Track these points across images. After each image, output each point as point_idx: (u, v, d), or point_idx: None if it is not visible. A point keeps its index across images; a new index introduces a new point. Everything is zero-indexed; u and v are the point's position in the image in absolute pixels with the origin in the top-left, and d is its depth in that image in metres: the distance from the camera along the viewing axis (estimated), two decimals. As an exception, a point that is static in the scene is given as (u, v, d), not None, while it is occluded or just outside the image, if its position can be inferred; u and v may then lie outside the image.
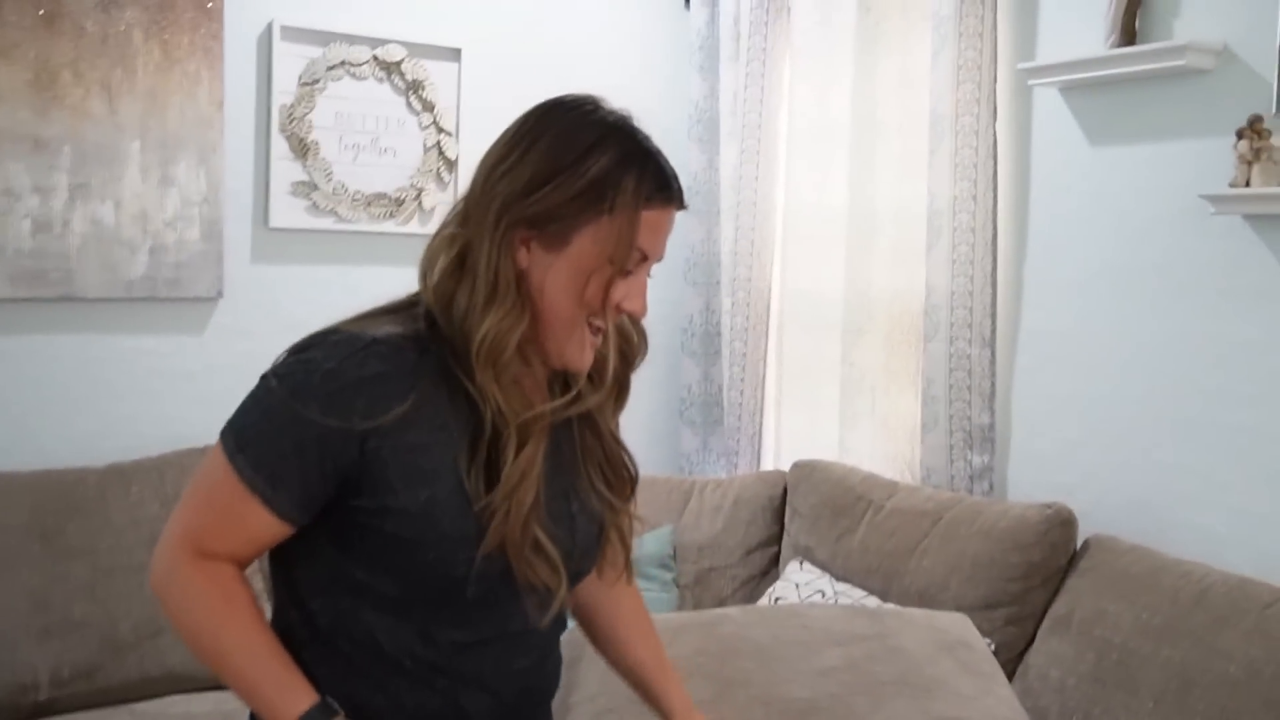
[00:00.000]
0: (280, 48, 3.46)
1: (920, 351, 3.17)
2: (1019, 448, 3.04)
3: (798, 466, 3.37)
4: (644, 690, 1.68)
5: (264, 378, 1.35)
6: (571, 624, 1.67)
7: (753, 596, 3.26)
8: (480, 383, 1.33)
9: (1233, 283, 2.54)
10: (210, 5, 3.34)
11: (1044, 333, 2.97)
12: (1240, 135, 2.40)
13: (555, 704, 1.60)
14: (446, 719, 1.41)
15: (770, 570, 3.31)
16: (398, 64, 3.62)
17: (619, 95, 1.43)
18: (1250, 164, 2.37)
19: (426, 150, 3.70)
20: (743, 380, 3.77)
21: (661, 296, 2.09)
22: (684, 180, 1.51)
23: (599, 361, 1.44)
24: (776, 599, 3.01)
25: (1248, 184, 2.39)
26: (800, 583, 3.02)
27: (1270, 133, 2.38)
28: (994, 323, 2.98)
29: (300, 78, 3.50)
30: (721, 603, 3.26)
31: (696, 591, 3.31)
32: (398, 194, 3.66)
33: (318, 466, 1.31)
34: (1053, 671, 2.53)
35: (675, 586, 3.32)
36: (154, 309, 3.38)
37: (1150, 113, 2.69)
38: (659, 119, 1.39)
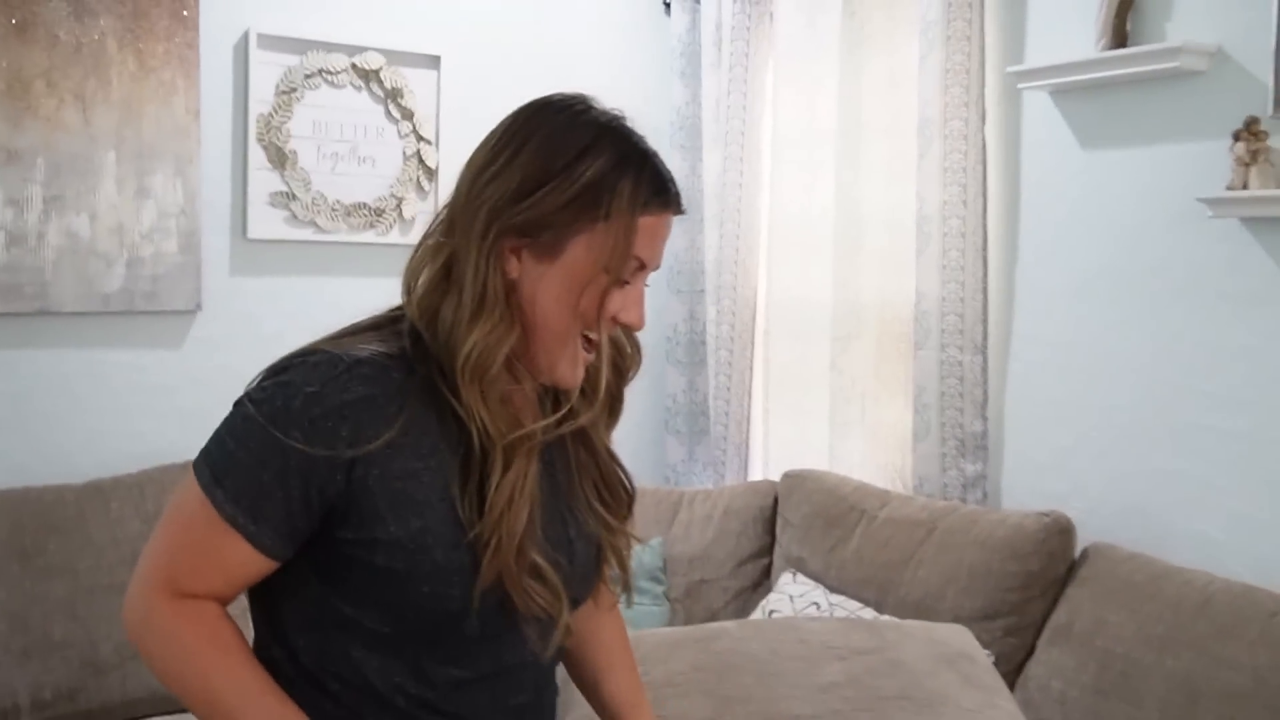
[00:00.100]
0: (257, 56, 3.41)
1: (911, 359, 3.14)
2: (1012, 456, 3.01)
3: (788, 476, 3.34)
4: None
5: (239, 404, 1.26)
6: None
7: (745, 609, 3.22)
8: (466, 400, 1.25)
9: (1229, 286, 2.51)
10: (185, 13, 3.29)
11: (1036, 339, 2.94)
12: (1236, 137, 2.39)
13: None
14: None
15: (762, 582, 3.28)
16: (376, 72, 3.58)
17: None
18: (1247, 166, 2.36)
19: (406, 159, 3.65)
20: (729, 389, 3.74)
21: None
22: (670, 187, 1.45)
23: (591, 375, 1.36)
24: (771, 611, 2.97)
25: (1245, 186, 2.37)
26: (794, 594, 2.98)
27: (1267, 134, 2.37)
28: (985, 329, 2.95)
29: (277, 86, 3.45)
30: (713, 615, 3.22)
31: (688, 604, 3.27)
32: (378, 203, 3.62)
33: (302, 498, 1.22)
34: (1054, 683, 2.50)
35: (666, 600, 3.28)
36: (131, 323, 3.32)
37: (1143, 116, 2.67)
38: (640, 126, 1.33)
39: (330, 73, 3.52)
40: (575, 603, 1.40)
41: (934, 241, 3.00)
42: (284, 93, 3.45)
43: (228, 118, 3.42)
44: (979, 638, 2.46)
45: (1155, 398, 2.68)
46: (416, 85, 3.64)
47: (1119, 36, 2.63)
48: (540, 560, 1.29)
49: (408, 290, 1.31)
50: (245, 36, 3.40)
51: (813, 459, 3.44)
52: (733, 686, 2.18)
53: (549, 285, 1.27)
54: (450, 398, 1.26)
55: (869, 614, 2.82)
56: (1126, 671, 2.37)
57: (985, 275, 2.95)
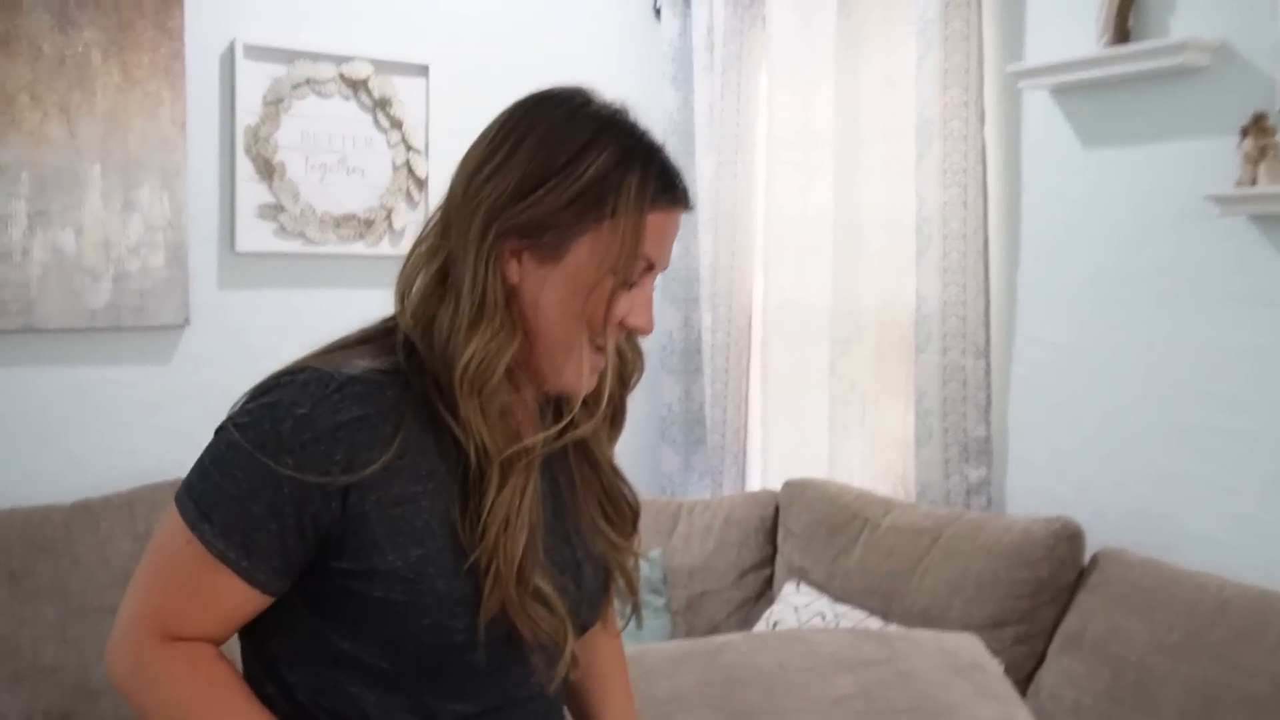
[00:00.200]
0: (244, 66, 3.36)
1: (911, 363, 3.10)
2: (1016, 460, 2.97)
3: (789, 485, 3.29)
4: None
5: (222, 430, 1.17)
6: None
7: (748, 620, 3.17)
8: (464, 415, 1.17)
9: (1237, 285, 2.48)
10: (171, 24, 3.23)
11: (1040, 341, 2.90)
12: (1244, 133, 2.35)
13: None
14: None
15: (764, 593, 3.23)
16: (364, 81, 3.53)
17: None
18: (1256, 163, 2.32)
19: (396, 169, 3.60)
20: (725, 397, 3.70)
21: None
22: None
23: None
24: (775, 623, 2.92)
25: (1254, 183, 2.33)
26: (798, 605, 2.94)
27: (1275, 129, 2.33)
28: (988, 332, 2.92)
29: (265, 97, 3.40)
30: (715, 627, 3.18)
31: (689, 617, 3.22)
32: (367, 214, 3.57)
33: (296, 528, 1.14)
34: (1067, 692, 2.46)
35: (667, 612, 3.23)
36: (118, 339, 3.27)
37: (1146, 113, 2.64)
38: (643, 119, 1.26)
39: (318, 82, 3.47)
40: (583, 629, 1.33)
41: (934, 243, 2.96)
42: (271, 103, 3.40)
43: (214, 129, 3.37)
44: (988, 646, 2.42)
45: (1162, 400, 2.64)
46: (405, 94, 3.59)
47: (1121, 33, 2.59)
48: (543, 585, 1.21)
49: (401, 298, 1.24)
50: (231, 47, 3.35)
51: (812, 466, 3.40)
52: (741, 701, 2.13)
53: (552, 289, 1.20)
54: (446, 415, 1.19)
55: (875, 624, 2.77)
56: (1141, 679, 2.33)
57: (987, 277, 2.91)
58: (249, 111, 3.38)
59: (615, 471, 1.37)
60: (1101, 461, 2.76)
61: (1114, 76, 2.64)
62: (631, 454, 3.73)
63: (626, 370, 1.35)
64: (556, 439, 1.27)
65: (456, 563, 1.17)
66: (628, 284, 1.21)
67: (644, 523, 3.31)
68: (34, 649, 2.83)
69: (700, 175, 3.74)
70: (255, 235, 3.42)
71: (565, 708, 1.48)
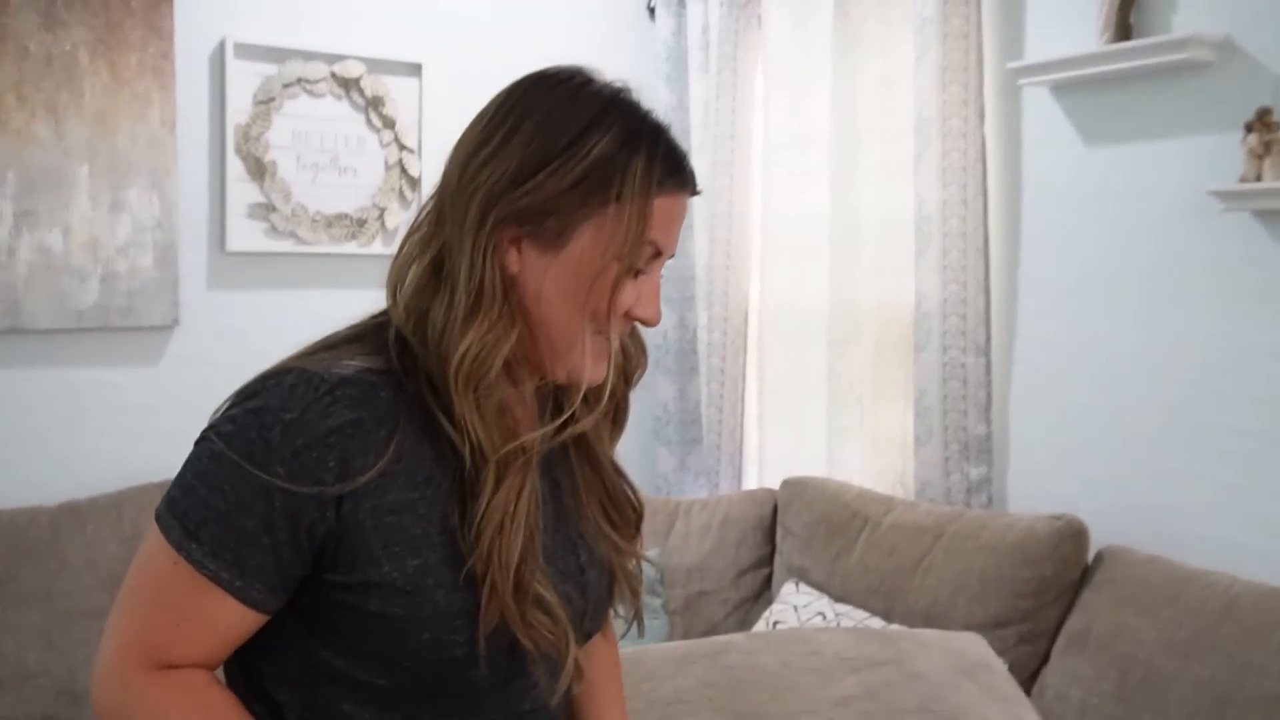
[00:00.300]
0: (234, 65, 3.33)
1: (911, 362, 3.08)
2: (1018, 459, 2.95)
3: (788, 484, 3.26)
4: None
5: (204, 440, 1.10)
6: None
7: (747, 620, 3.15)
8: (459, 411, 1.10)
9: (1241, 282, 2.46)
10: (160, 23, 3.20)
11: (1041, 339, 2.88)
12: (1249, 129, 2.34)
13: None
14: None
15: (763, 593, 3.20)
16: (356, 80, 3.50)
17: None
18: (1261, 158, 2.31)
19: (388, 168, 3.57)
20: (721, 397, 3.68)
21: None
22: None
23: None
24: (775, 623, 2.90)
25: (1259, 178, 2.32)
26: (798, 605, 2.91)
27: (1280, 125, 2.32)
28: (988, 330, 2.90)
29: (255, 96, 3.37)
30: (714, 628, 3.15)
31: (687, 618, 3.19)
32: (359, 214, 3.53)
33: (290, 541, 1.07)
34: (1073, 691, 2.43)
35: (665, 613, 3.20)
36: (106, 339, 3.23)
37: (1148, 110, 2.62)
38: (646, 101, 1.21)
39: (309, 82, 3.43)
40: (586, 637, 1.27)
41: (934, 242, 2.94)
42: (262, 103, 3.37)
43: (204, 129, 3.33)
44: (992, 646, 2.39)
45: (1165, 397, 2.62)
46: (398, 93, 3.56)
47: (1123, 29, 2.58)
48: (545, 592, 1.15)
49: (393, 292, 1.17)
50: (221, 46, 3.32)
51: (809, 466, 3.37)
52: (745, 702, 2.10)
53: (555, 279, 1.13)
54: (440, 416, 1.12)
55: (877, 623, 2.75)
56: (1149, 679, 2.30)
57: (987, 275, 2.89)
58: (239, 111, 3.35)
59: (618, 471, 1.31)
60: (1104, 460, 2.75)
61: (1116, 73, 2.62)
62: (626, 454, 3.67)
63: (629, 366, 1.29)
64: (555, 435, 1.20)
65: (456, 574, 1.11)
66: (634, 271, 1.15)
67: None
68: (18, 654, 2.80)
69: (696, 175, 3.70)
70: (246, 235, 3.38)
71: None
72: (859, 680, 2.14)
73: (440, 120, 3.57)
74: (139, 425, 3.26)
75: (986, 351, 2.90)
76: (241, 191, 3.37)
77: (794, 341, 3.51)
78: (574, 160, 1.11)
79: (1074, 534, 2.61)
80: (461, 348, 1.10)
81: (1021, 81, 2.83)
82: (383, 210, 3.56)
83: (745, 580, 3.23)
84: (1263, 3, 2.37)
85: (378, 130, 3.55)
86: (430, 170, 3.54)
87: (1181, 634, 2.30)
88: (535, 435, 1.15)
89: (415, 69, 3.58)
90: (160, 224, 3.23)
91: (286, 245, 3.44)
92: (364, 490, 1.08)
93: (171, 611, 1.09)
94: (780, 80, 3.52)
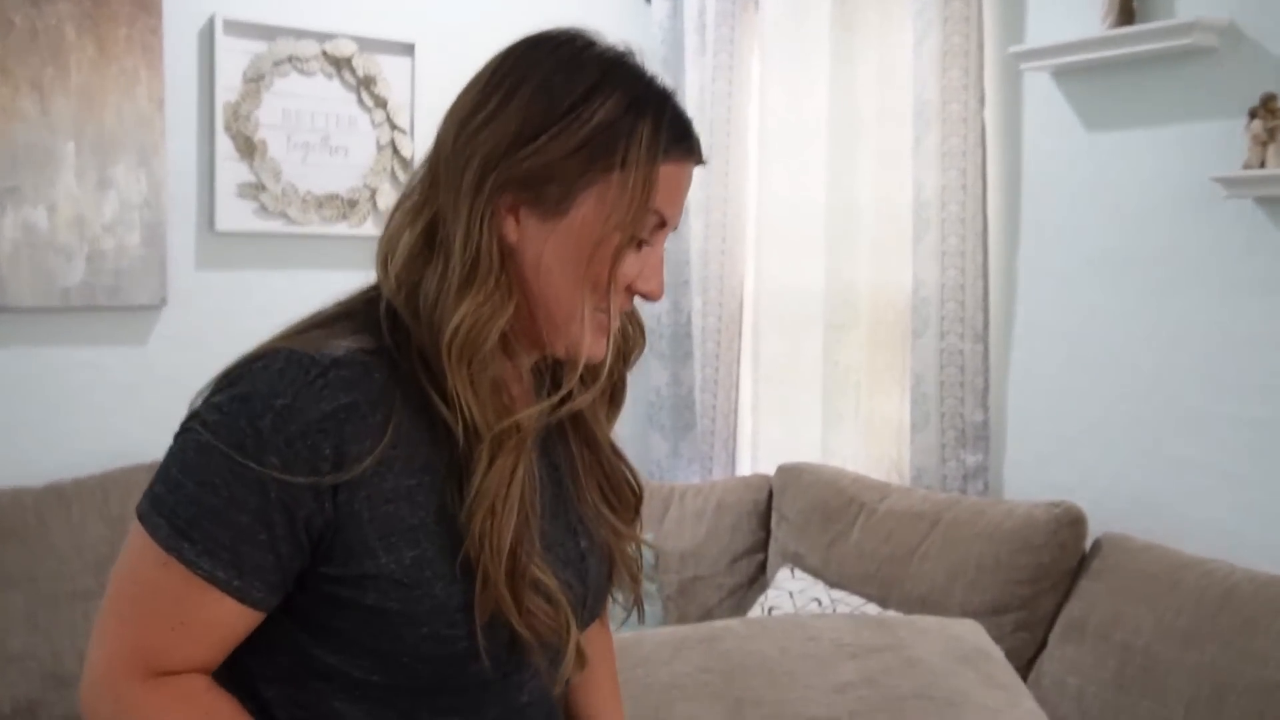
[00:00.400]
0: (223, 42, 3.28)
1: (908, 348, 3.06)
2: (1014, 446, 2.94)
3: (783, 469, 3.25)
4: None
5: (189, 430, 1.03)
6: None
7: (741, 606, 3.13)
8: (452, 386, 1.05)
9: (1243, 270, 2.45)
10: (148, -3, 3.15)
11: (1040, 326, 2.87)
12: (1253, 115, 2.32)
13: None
14: None
15: (758, 578, 3.19)
16: (348, 59, 3.45)
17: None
18: (1265, 144, 2.29)
19: (380, 149, 3.53)
20: (715, 382, 3.65)
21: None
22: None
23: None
24: (770, 609, 2.88)
25: (1262, 165, 2.30)
26: (793, 591, 2.89)
27: (1285, 111, 2.30)
28: (986, 316, 2.88)
29: (245, 74, 3.32)
30: (708, 613, 3.13)
31: (681, 603, 3.17)
32: (350, 195, 3.49)
33: (288, 536, 1.02)
34: (1070, 679, 2.42)
35: (659, 598, 3.18)
36: (93, 319, 3.18)
37: (1151, 95, 2.60)
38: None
39: (300, 60, 3.39)
40: (587, 623, 1.23)
41: (933, 228, 2.92)
42: (252, 80, 3.32)
43: (193, 106, 3.29)
44: (988, 633, 2.38)
45: (1164, 385, 2.61)
46: (390, 73, 3.52)
47: (1126, 14, 2.56)
48: (543, 577, 1.10)
49: (384, 263, 1.11)
50: (211, 22, 3.27)
51: (804, 452, 3.36)
52: (743, 688, 2.08)
53: (554, 248, 1.08)
54: (433, 394, 1.07)
55: (873, 610, 2.74)
56: (1148, 666, 2.29)
57: (985, 261, 2.87)
58: (229, 89, 3.30)
59: (617, 453, 1.27)
60: (1102, 447, 2.73)
61: (1118, 58, 2.61)
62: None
63: (627, 346, 1.24)
64: (551, 413, 1.16)
65: (454, 565, 1.06)
66: (637, 241, 1.10)
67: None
68: (2, 637, 2.76)
69: (690, 159, 3.68)
70: (235, 215, 3.34)
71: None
72: (857, 667, 2.13)
73: (433, 101, 3.53)
74: (126, 406, 3.22)
75: (984, 338, 2.88)
76: (231, 170, 3.32)
77: (790, 327, 3.49)
78: (577, 124, 1.06)
79: (1072, 521, 2.59)
80: (455, 319, 1.05)
81: (1023, 66, 2.81)
82: (374, 191, 3.52)
83: (740, 566, 3.21)
84: (1269, -13, 2.36)
85: (369, 110, 3.51)
86: (423, 151, 3.48)
87: (1180, 622, 2.29)
88: (531, 411, 1.10)
89: (408, 48, 3.54)
90: (148, 202, 3.18)
91: (276, 225, 3.40)
92: (360, 478, 1.03)
93: (165, 616, 1.03)
94: (777, 64, 3.49)
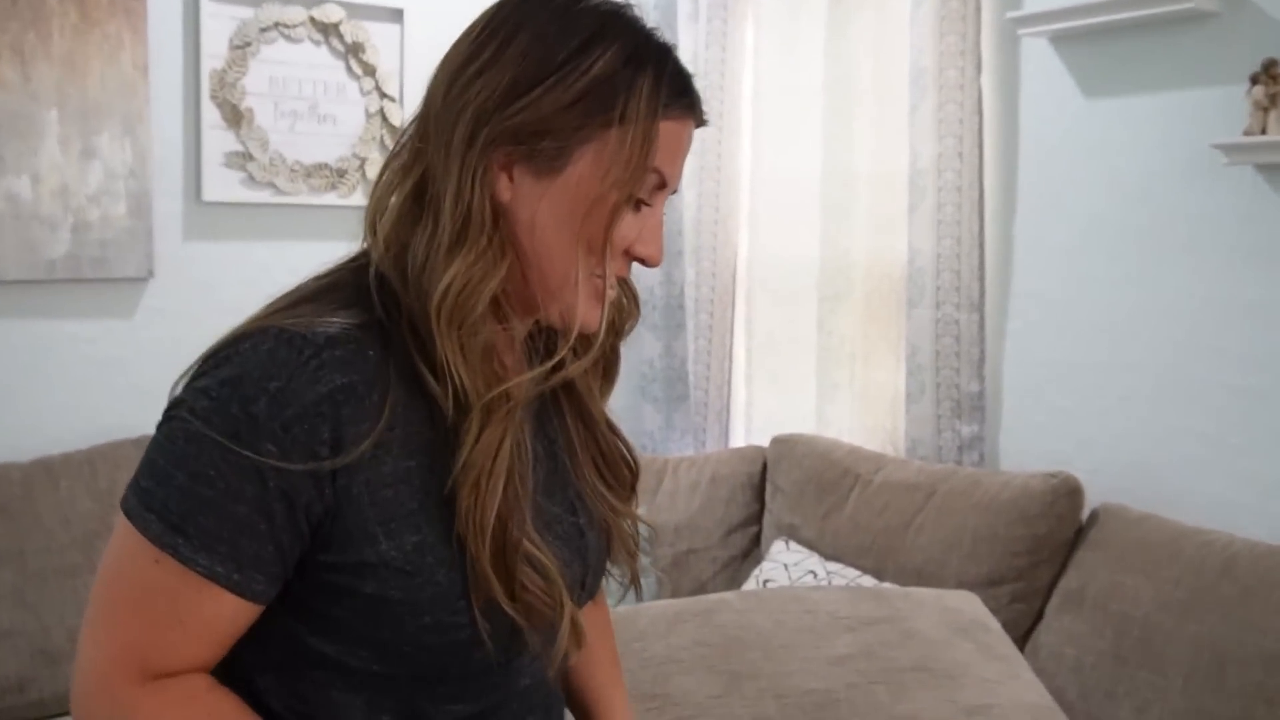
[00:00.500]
0: (208, 8, 3.24)
1: (903, 318, 3.04)
2: (1011, 416, 2.92)
3: (778, 441, 3.23)
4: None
5: (175, 418, 0.98)
6: None
7: (736, 579, 3.12)
8: (441, 352, 1.00)
9: (1243, 238, 2.43)
10: (132, -38, 3.10)
11: (1036, 296, 2.84)
12: (1254, 81, 2.29)
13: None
14: None
15: (752, 551, 3.17)
16: (336, 25, 3.41)
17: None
18: (1266, 111, 2.26)
19: (369, 117, 3.49)
20: (709, 353, 3.63)
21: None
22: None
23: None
24: (765, 581, 2.86)
25: (1263, 131, 2.28)
26: (788, 563, 2.88)
27: (1288, 76, 2.27)
28: (983, 286, 2.86)
29: (231, 40, 3.28)
30: (702, 586, 3.12)
31: (675, 576, 3.16)
32: (339, 164, 3.45)
33: (289, 525, 0.98)
34: (1068, 650, 2.41)
35: (652, 571, 3.16)
36: (78, 291, 3.15)
37: (1151, 61, 2.57)
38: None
39: (287, 26, 3.34)
40: (584, 600, 1.20)
41: (929, 196, 2.89)
42: (238, 47, 3.28)
43: (179, 73, 3.24)
44: (985, 604, 2.37)
45: (1164, 355, 2.59)
46: (379, 40, 3.47)
47: (1126, -22, 2.52)
48: (535, 551, 1.05)
49: (373, 225, 1.06)
50: (196, -13, 3.22)
51: (798, 423, 3.34)
52: (740, 661, 2.06)
53: (549, 207, 1.03)
54: (422, 368, 1.02)
55: (869, 582, 2.72)
56: (1146, 637, 2.28)
57: (982, 230, 2.85)
58: (215, 55, 3.26)
59: (612, 428, 1.23)
60: (1099, 418, 2.72)
61: (1117, 23, 2.57)
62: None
63: (620, 317, 1.19)
64: (543, 382, 1.12)
65: (455, 549, 1.03)
66: (635, 201, 1.05)
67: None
68: (-10, 613, 2.75)
69: (682, 127, 3.65)
70: (222, 185, 3.30)
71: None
72: (854, 639, 2.11)
73: (422, 68, 3.40)
74: (113, 380, 3.19)
75: (980, 308, 2.86)
76: (217, 139, 3.28)
77: (784, 297, 3.47)
78: (574, 76, 1.01)
79: (1069, 491, 2.58)
80: (445, 281, 1.00)
81: (1020, 32, 2.77)
82: (363, 160, 3.48)
83: (734, 538, 3.20)
84: (1272, -49, 2.33)
85: (358, 78, 3.47)
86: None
87: (1179, 592, 2.27)
88: (522, 379, 1.05)
89: (397, 14, 3.49)
90: (133, 172, 3.14)
91: (264, 195, 3.36)
92: (358, 462, 0.98)
93: (160, 616, 0.98)
94: (772, 29, 3.46)
